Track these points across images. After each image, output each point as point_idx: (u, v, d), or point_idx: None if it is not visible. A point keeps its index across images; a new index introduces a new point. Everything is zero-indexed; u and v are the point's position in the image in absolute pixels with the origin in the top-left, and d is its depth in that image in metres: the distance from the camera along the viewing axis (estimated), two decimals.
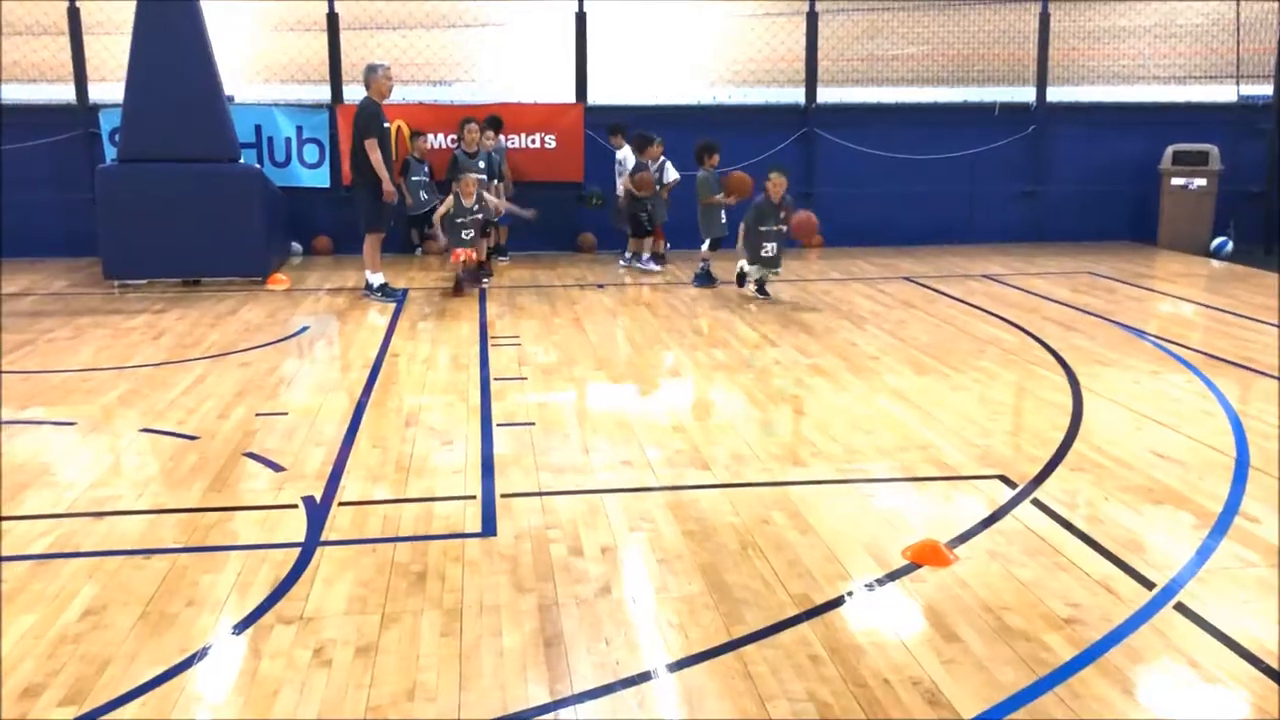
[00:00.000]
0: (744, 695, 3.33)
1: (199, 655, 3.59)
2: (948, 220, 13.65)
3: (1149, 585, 4.08)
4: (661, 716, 3.24)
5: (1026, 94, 13.70)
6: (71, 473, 5.42)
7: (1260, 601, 3.97)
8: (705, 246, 10.88)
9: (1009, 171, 13.65)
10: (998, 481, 5.21)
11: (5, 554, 4.41)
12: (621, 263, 11.96)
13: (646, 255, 11.79)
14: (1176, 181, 13.26)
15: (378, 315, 9.36)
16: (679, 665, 3.53)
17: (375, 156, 9.61)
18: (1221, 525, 4.64)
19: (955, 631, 3.74)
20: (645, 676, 3.46)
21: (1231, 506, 4.86)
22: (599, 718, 3.21)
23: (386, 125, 9.94)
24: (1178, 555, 4.35)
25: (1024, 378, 7.25)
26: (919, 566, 4.24)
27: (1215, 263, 12.43)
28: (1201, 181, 13.14)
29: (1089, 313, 9.40)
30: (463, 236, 10.21)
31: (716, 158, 11.03)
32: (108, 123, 12.10)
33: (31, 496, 5.09)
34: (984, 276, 11.32)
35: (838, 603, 3.95)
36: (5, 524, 4.73)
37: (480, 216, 10.38)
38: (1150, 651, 3.59)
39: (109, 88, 12.22)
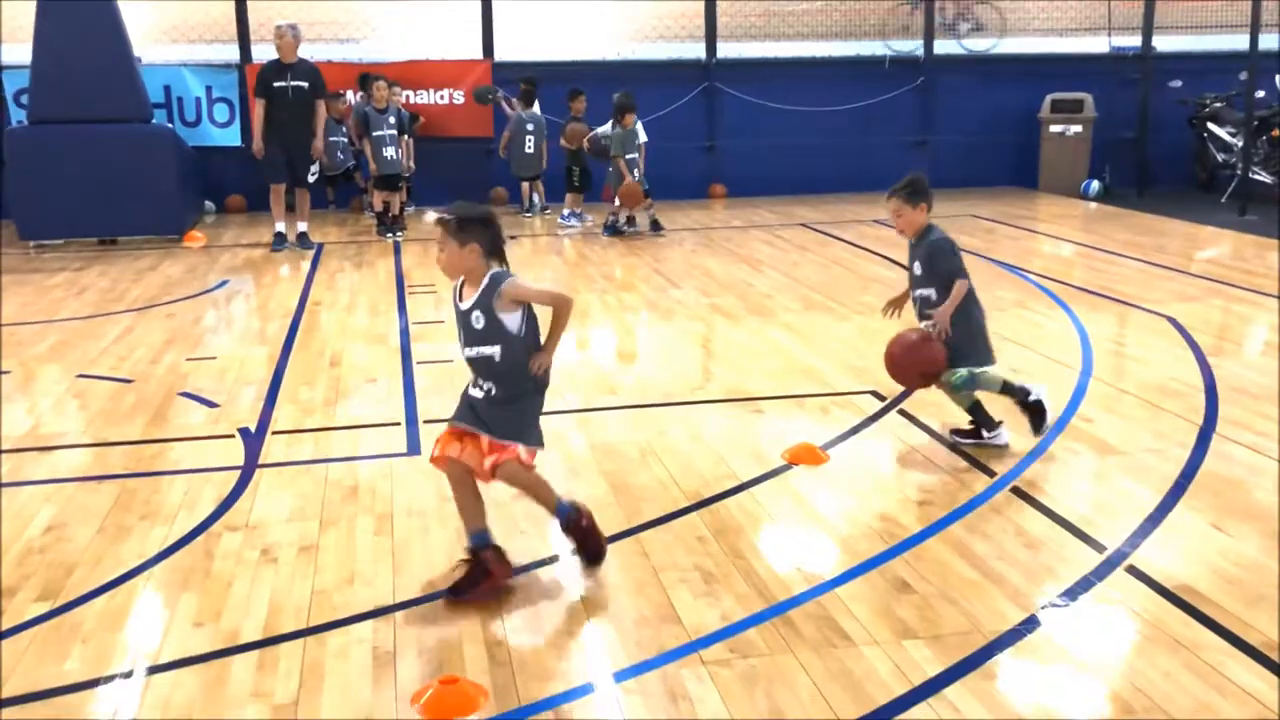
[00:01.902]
0: (640, 569, 3.89)
1: (157, 558, 4.03)
2: (843, 169, 14.28)
3: (991, 474, 4.73)
4: (571, 589, 3.79)
5: (915, 46, 14.37)
6: (13, 414, 5.75)
7: (1084, 485, 4.65)
8: (617, 200, 11.36)
9: (900, 122, 14.33)
10: (870, 396, 5.84)
11: None
12: (561, 220, 12.12)
13: (568, 211, 12.11)
14: (1054, 129, 14.08)
15: (294, 269, 9.68)
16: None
17: (254, 115, 10.35)
18: (1059, 425, 5.32)
19: (821, 513, 4.35)
20: (555, 559, 4.00)
21: (1070, 409, 5.55)
22: (516, 593, 3.74)
23: (278, 85, 10.26)
24: (1019, 450, 5.01)
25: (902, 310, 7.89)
26: (795, 465, 4.83)
27: (1090, 205, 13.30)
28: (1078, 129, 13.97)
29: (968, 251, 10.07)
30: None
31: (631, 117, 11.21)
32: (11, 84, 12.09)
33: None
34: (874, 221, 11.98)
35: (723, 495, 4.53)
36: None
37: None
38: (988, 525, 4.23)
39: (11, 49, 12.18)
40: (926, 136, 14.47)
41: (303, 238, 10.70)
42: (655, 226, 11.18)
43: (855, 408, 5.66)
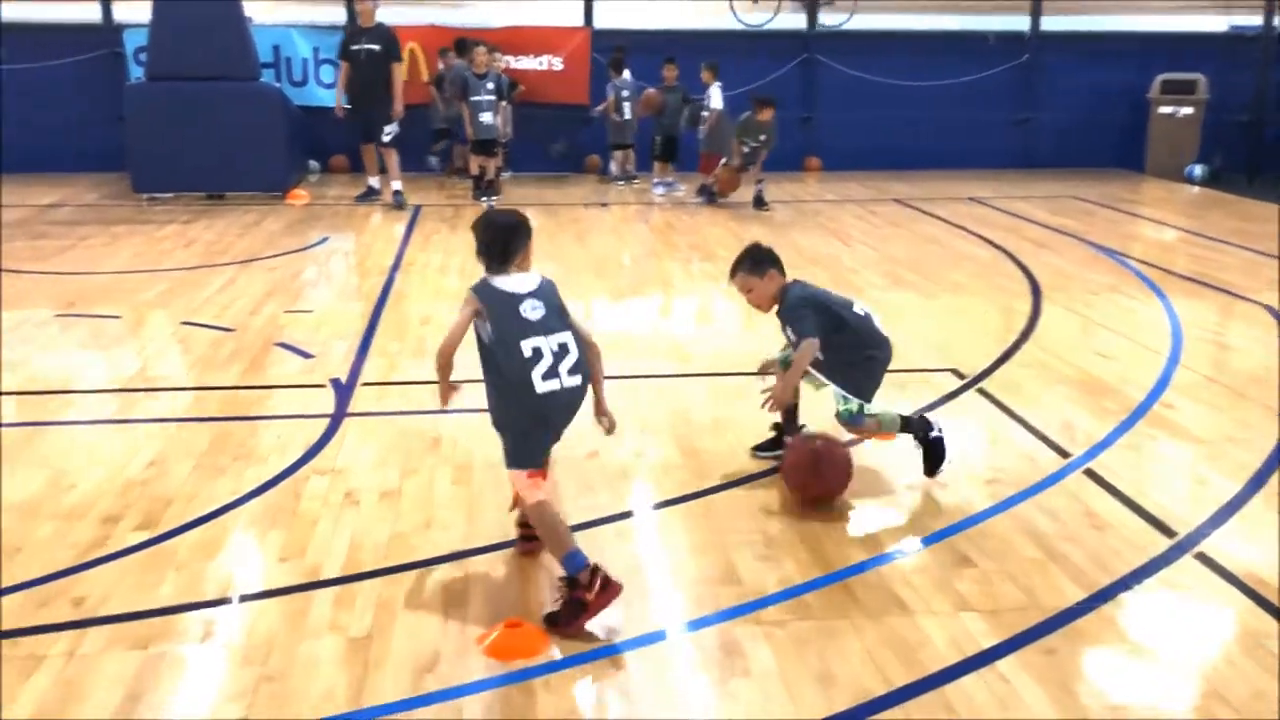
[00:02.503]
0: (704, 530, 3.99)
1: (248, 496, 4.25)
2: (941, 146, 14.09)
3: (1065, 455, 4.71)
4: (635, 545, 3.91)
5: (1021, 23, 14.06)
6: (123, 356, 6.08)
7: (1160, 471, 4.60)
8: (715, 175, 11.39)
9: (1002, 99, 14.07)
10: (949, 374, 5.82)
11: (80, 419, 5.09)
12: (658, 190, 12.21)
13: (657, 179, 12.21)
14: (1164, 110, 13.67)
15: (392, 228, 9.93)
16: (651, 508, 4.19)
17: (339, 76, 10.85)
18: (1141, 410, 5.26)
19: (887, 486, 4.39)
20: (624, 515, 4.12)
21: (1154, 396, 5.47)
22: (582, 546, 3.86)
23: (354, 48, 10.71)
24: (1096, 433, 4.96)
25: (991, 289, 7.82)
26: (865, 440, 4.86)
27: (1194, 189, 12.91)
28: (1188, 110, 13.55)
29: (1064, 233, 9.94)
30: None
31: (769, 112, 11.05)
32: (132, 42, 12.57)
33: (90, 374, 5.76)
34: (970, 199, 11.83)
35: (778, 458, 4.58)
36: (75, 396, 5.41)
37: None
38: (1056, 506, 4.22)
39: (132, 7, 12.66)
40: (1029, 115, 14.19)
41: (396, 195, 10.99)
42: (759, 202, 11.16)
43: (933, 385, 5.65)
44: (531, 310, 3.49)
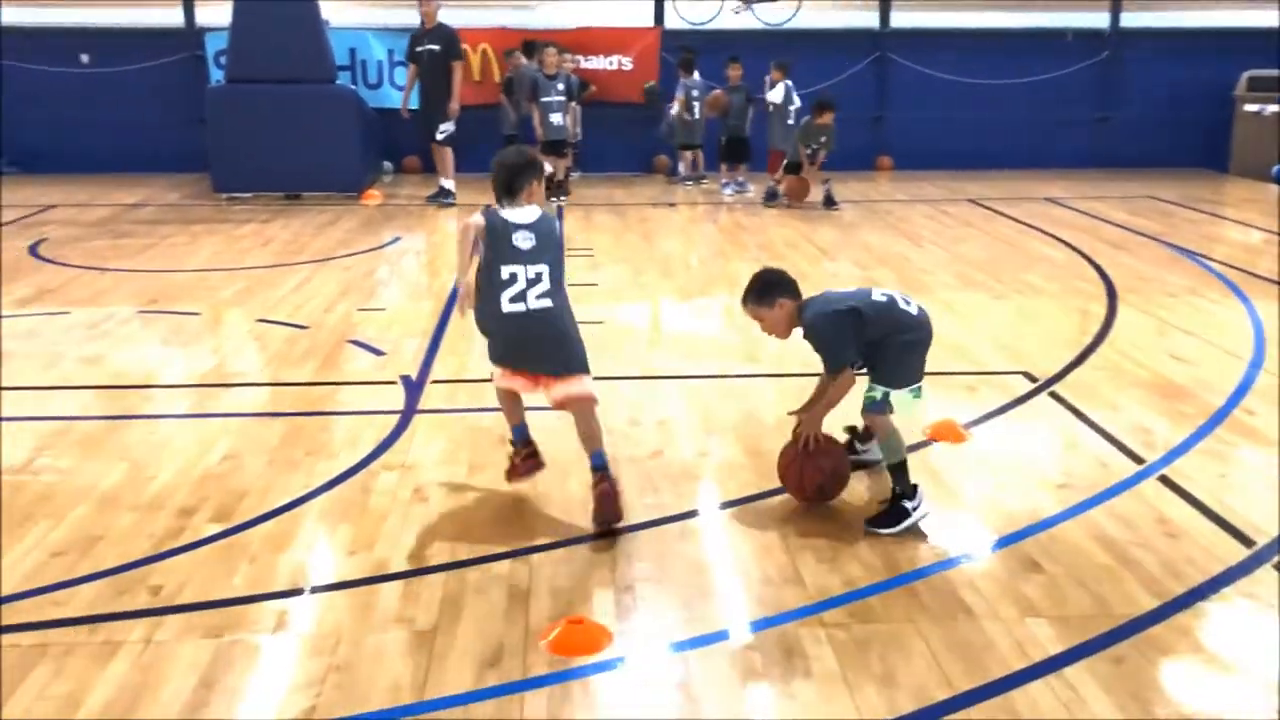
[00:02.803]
0: (768, 531, 3.98)
1: (319, 490, 4.34)
2: (1017, 145, 13.87)
3: (1139, 460, 4.61)
4: (699, 544, 3.91)
5: (1100, 20, 13.77)
6: (201, 352, 6.24)
7: (1238, 478, 4.48)
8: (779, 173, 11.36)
9: (1080, 97, 13.80)
10: (1021, 377, 5.73)
11: (159, 413, 5.24)
12: (726, 191, 12.19)
13: (726, 179, 12.18)
14: (1250, 108, 13.30)
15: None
16: (715, 509, 4.19)
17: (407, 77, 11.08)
18: (1220, 415, 5.12)
19: (956, 490, 4.34)
20: (688, 515, 4.13)
21: (1233, 401, 5.33)
22: (646, 545, 3.88)
23: (418, 50, 10.97)
24: (1172, 439, 4.85)
25: (1065, 291, 7.68)
26: (935, 441, 4.81)
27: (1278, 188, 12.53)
28: (1276, 108, 13.16)
29: (1142, 234, 9.73)
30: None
31: (830, 115, 11.02)
32: (213, 45, 12.88)
33: (171, 369, 5.92)
34: (1046, 200, 11.62)
35: (857, 467, 4.55)
36: (154, 390, 5.57)
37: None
38: (1129, 512, 4.14)
39: (212, 11, 12.97)
40: (1108, 113, 13.91)
41: (443, 191, 11.24)
42: (829, 202, 11.09)
43: (1005, 388, 5.56)
44: (523, 240, 3.95)
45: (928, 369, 5.85)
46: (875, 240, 9.48)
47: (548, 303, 3.98)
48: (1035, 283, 7.94)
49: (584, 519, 4.04)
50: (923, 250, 9.10)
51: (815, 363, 5.60)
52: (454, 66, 11.00)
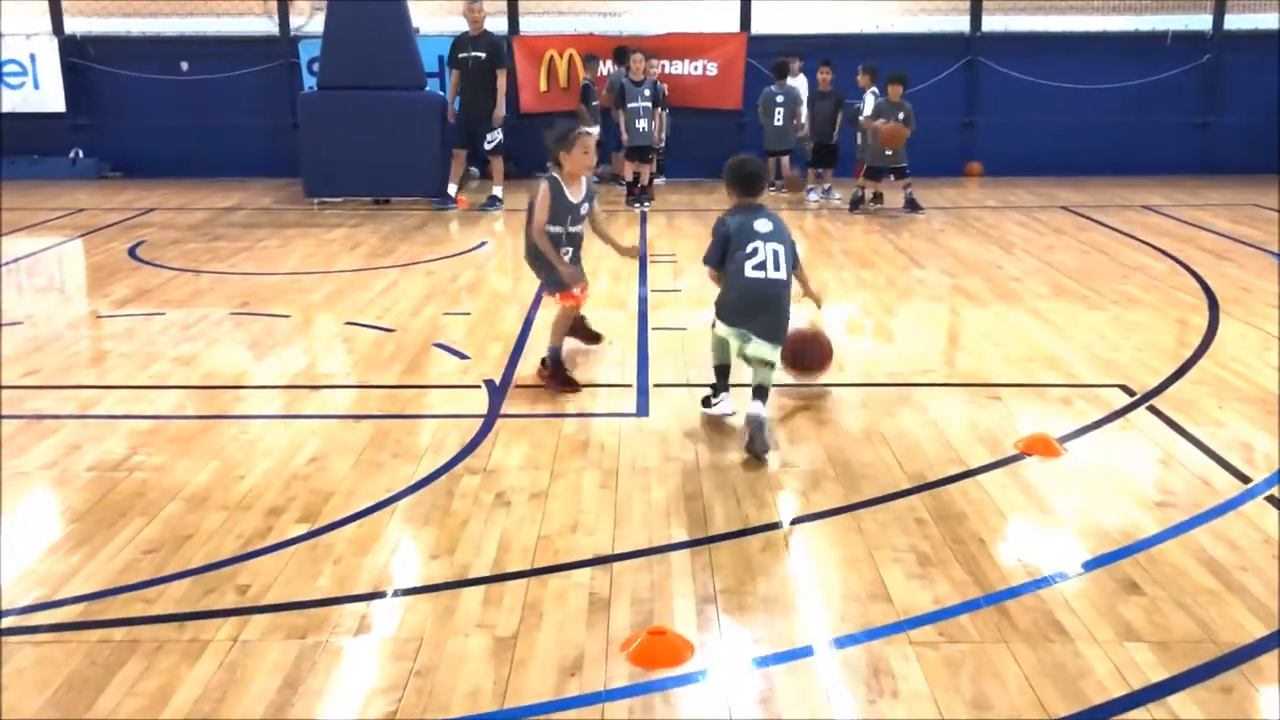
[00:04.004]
0: (854, 545, 3.89)
1: (403, 493, 4.36)
2: (1113, 151, 13.49)
3: (1244, 479, 4.42)
4: (783, 557, 3.84)
5: (1202, 22, 13.34)
6: (292, 354, 6.35)
7: None
8: (861, 176, 11.22)
9: (1180, 102, 13.38)
10: (1118, 390, 5.54)
11: (249, 413, 5.33)
12: (812, 196, 12.11)
13: (811, 186, 12.06)
14: None
15: None
16: (800, 520, 4.11)
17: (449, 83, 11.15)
18: None
19: (1050, 506, 4.20)
20: (772, 527, 4.06)
21: None
22: (729, 556, 3.82)
23: (462, 56, 11.04)
24: (1278, 457, 4.64)
25: (1164, 302, 7.43)
26: (1028, 456, 4.67)
27: None
28: None
29: (1245, 243, 9.38)
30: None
31: (897, 89, 10.95)
32: (306, 53, 13.15)
33: (261, 371, 6.02)
34: (1143, 207, 11.28)
35: (948, 480, 4.44)
36: (245, 391, 5.68)
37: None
38: (1234, 533, 3.96)
39: (305, 20, 13.25)
40: (1209, 118, 13.46)
41: (492, 199, 11.33)
42: (912, 205, 10.93)
43: (1101, 401, 5.39)
44: (577, 206, 5.65)
45: (1021, 380, 5.75)
46: (964, 247, 9.29)
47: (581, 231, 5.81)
48: (1132, 293, 7.70)
49: (665, 528, 4.01)
50: (1014, 258, 8.89)
51: (904, 372, 5.52)
52: (500, 74, 11.17)
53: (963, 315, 7.12)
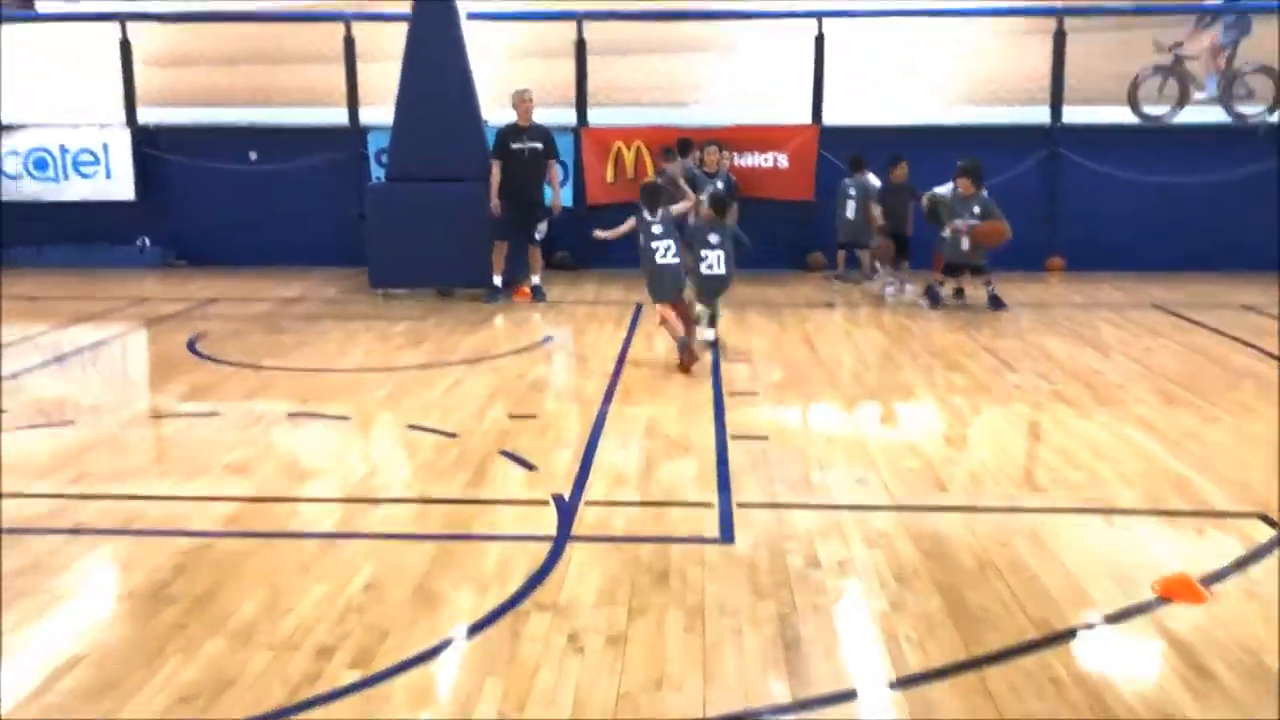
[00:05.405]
0: (983, 711, 3.37)
1: (466, 633, 3.93)
2: (1204, 246, 12.89)
3: None
4: None
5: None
6: (350, 462, 5.98)
7: None
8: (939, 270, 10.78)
9: (1273, 196, 12.78)
10: (1256, 520, 4.98)
11: (302, 531, 4.95)
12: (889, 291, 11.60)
13: (889, 281, 11.60)
14: None
15: (615, 326, 9.73)
16: (918, 679, 3.60)
17: (492, 175, 10.80)
18: None
19: (1210, 668, 3.64)
20: (887, 685, 3.55)
21: None
22: None
23: (515, 147, 10.82)
24: None
25: None
26: (1169, 601, 4.13)
27: None
28: None
29: None
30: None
31: (966, 181, 10.59)
32: (375, 144, 13.09)
33: (317, 482, 5.66)
34: (1242, 306, 10.67)
35: (1082, 630, 3.91)
36: (299, 505, 5.31)
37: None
38: None
39: (375, 110, 13.21)
40: None
41: (536, 290, 11.12)
42: (996, 302, 10.44)
43: (1240, 533, 4.82)
44: (657, 228, 8.25)
45: (1143, 504, 5.22)
46: (1058, 348, 8.76)
47: (675, 261, 8.30)
48: (1248, 401, 7.12)
49: (763, 684, 3.52)
50: (1111, 361, 8.34)
51: (1013, 492, 5.04)
52: (553, 165, 11.03)
53: (1068, 426, 6.58)
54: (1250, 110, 12.91)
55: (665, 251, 8.20)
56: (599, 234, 8.86)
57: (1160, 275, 12.53)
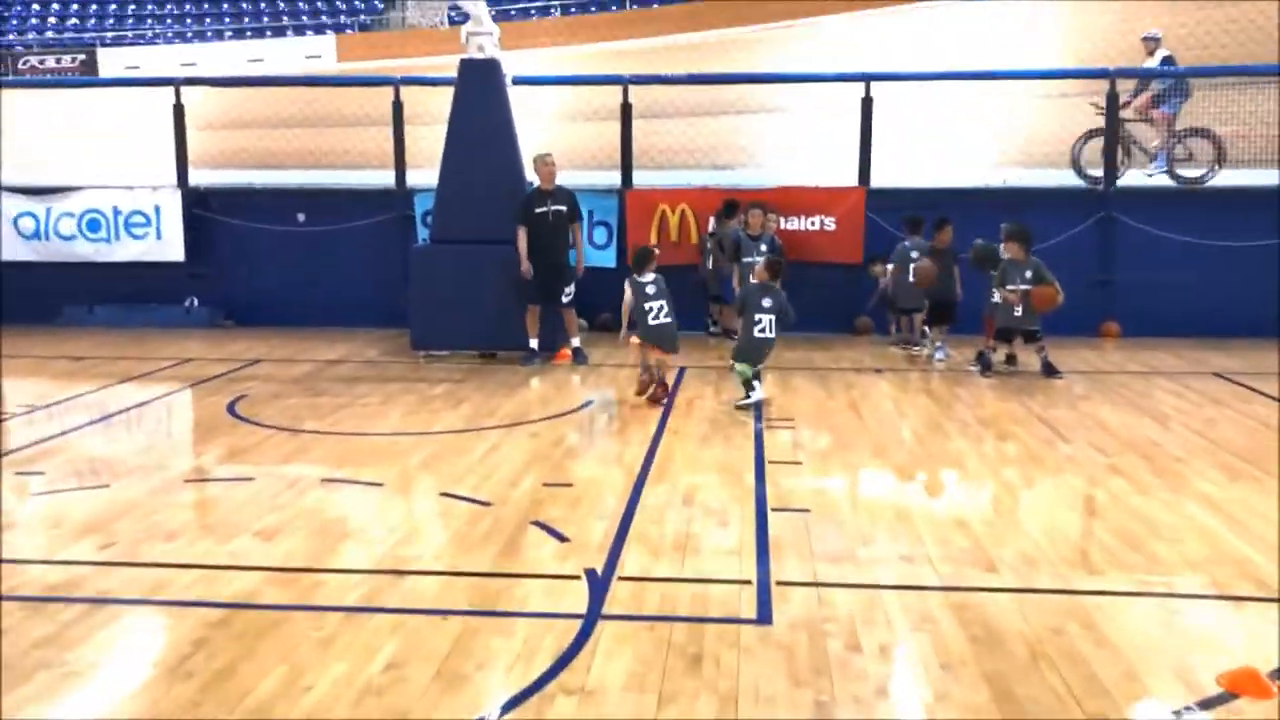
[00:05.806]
0: None
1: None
2: (1264, 312, 12.53)
3: None
4: None
5: None
6: (379, 531, 5.87)
7: None
8: (991, 338, 10.55)
9: None
10: None
11: (326, 604, 4.82)
12: (939, 356, 11.38)
13: (939, 344, 11.36)
14: None
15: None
16: None
17: (519, 239, 10.77)
18: None
19: None
20: None
21: None
22: None
23: (539, 210, 10.80)
24: None
25: None
26: (1235, 696, 3.86)
27: None
28: None
29: None
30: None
31: (1016, 246, 10.39)
32: (421, 205, 13.15)
33: (345, 551, 5.54)
34: None
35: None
36: (326, 575, 5.18)
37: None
38: None
39: (422, 173, 13.30)
40: None
41: (577, 352, 11.03)
42: (1049, 369, 10.17)
43: None
44: (650, 289, 8.81)
45: (1206, 589, 4.95)
46: (1113, 418, 8.47)
47: (669, 319, 8.85)
48: None
49: None
50: (1171, 433, 8.04)
51: (1066, 574, 4.83)
52: (577, 228, 11.06)
53: (1125, 502, 6.31)
54: (1191, 174, 12.82)
55: (659, 312, 8.82)
56: (621, 339, 9.30)
57: (1220, 341, 12.17)
